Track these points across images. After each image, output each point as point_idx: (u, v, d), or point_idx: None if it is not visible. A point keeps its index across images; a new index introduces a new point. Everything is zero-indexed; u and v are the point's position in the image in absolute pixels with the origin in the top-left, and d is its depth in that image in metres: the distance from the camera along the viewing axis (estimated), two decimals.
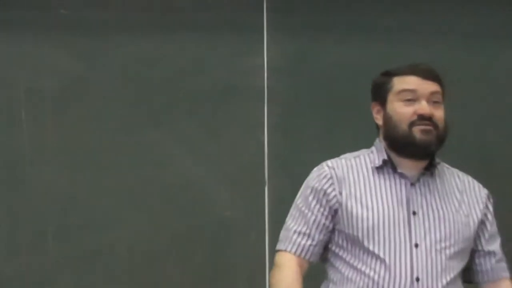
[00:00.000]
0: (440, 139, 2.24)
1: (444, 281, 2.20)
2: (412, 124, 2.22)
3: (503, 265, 2.36)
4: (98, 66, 2.86)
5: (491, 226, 2.34)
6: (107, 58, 2.86)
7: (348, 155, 2.37)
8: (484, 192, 2.35)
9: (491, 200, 2.36)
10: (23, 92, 2.83)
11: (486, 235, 2.34)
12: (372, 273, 2.20)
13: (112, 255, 2.83)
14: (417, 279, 2.18)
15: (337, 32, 2.89)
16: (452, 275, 2.22)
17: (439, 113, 2.24)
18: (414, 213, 2.24)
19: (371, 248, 2.21)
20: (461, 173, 2.38)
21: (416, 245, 2.21)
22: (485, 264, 2.34)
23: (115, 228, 2.84)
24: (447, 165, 2.39)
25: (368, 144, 2.34)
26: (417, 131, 2.22)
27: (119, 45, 2.86)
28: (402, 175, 2.26)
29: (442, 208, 2.27)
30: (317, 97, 2.85)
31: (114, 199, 2.84)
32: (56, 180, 2.83)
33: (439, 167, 2.32)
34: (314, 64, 2.85)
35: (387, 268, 2.19)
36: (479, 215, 2.31)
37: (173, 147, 2.86)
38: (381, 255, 2.20)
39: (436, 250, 2.21)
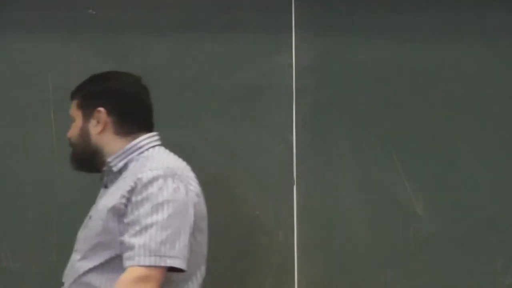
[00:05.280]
0: (76, 155, 2.43)
1: (71, 280, 2.30)
2: None
3: (126, 254, 2.23)
4: (126, 66, 2.85)
5: (130, 214, 2.24)
6: (135, 58, 2.86)
7: None
8: (134, 179, 2.25)
9: (139, 187, 2.23)
10: (51, 91, 2.84)
11: (124, 223, 2.25)
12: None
13: None
14: (63, 283, 2.34)
15: (366, 31, 2.88)
16: (79, 273, 2.28)
17: (70, 132, 2.44)
18: (90, 217, 2.37)
19: None
20: (145, 165, 2.30)
21: (76, 250, 2.35)
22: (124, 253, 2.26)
23: None
24: (146, 162, 2.32)
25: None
26: None
27: (147, 45, 2.86)
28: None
29: (96, 208, 2.37)
30: (346, 97, 2.85)
31: None
32: (85, 180, 2.83)
33: (123, 167, 2.34)
34: (343, 63, 2.84)
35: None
36: (117, 202, 2.25)
37: (202, 146, 2.86)
38: None
39: (75, 251, 2.35)
